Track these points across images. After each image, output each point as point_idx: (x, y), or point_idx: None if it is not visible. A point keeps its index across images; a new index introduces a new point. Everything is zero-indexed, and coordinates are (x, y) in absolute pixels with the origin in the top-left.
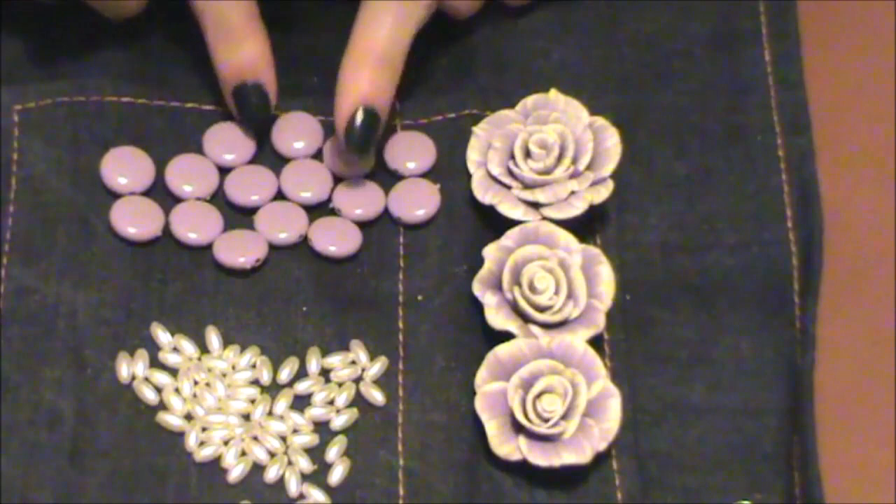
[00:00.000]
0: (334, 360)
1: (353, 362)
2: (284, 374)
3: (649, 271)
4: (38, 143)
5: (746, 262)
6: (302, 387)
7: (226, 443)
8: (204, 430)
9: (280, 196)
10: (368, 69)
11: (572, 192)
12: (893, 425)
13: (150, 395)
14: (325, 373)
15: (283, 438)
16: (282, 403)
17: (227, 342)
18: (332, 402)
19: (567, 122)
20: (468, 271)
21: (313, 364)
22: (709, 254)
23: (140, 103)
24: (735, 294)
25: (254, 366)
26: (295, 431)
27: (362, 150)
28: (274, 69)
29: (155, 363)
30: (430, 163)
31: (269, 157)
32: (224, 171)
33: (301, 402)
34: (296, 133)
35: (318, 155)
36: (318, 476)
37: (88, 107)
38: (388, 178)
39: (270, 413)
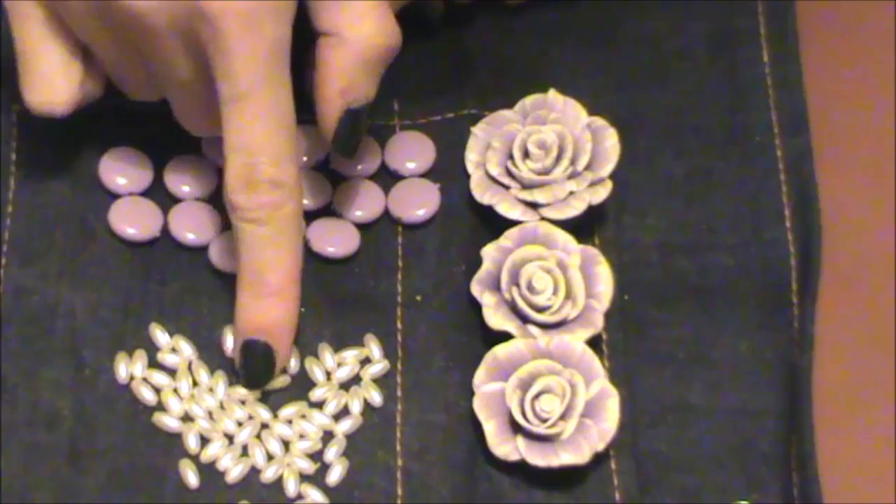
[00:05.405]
0: (333, 361)
1: (352, 362)
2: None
3: (648, 272)
4: (37, 144)
5: (745, 263)
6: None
7: (225, 443)
8: (203, 430)
9: None
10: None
11: (571, 193)
12: (893, 425)
13: (148, 396)
14: (324, 373)
15: (285, 441)
16: (290, 409)
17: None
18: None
19: (566, 122)
20: (467, 271)
21: (312, 364)
22: (707, 254)
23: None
24: (733, 294)
25: None
26: (301, 437)
27: (350, 152)
28: (292, 338)
29: (153, 363)
30: (430, 162)
31: None
32: (223, 171)
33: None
34: (303, 146)
35: (319, 167)
36: (316, 476)
37: (87, 107)
38: (387, 178)
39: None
